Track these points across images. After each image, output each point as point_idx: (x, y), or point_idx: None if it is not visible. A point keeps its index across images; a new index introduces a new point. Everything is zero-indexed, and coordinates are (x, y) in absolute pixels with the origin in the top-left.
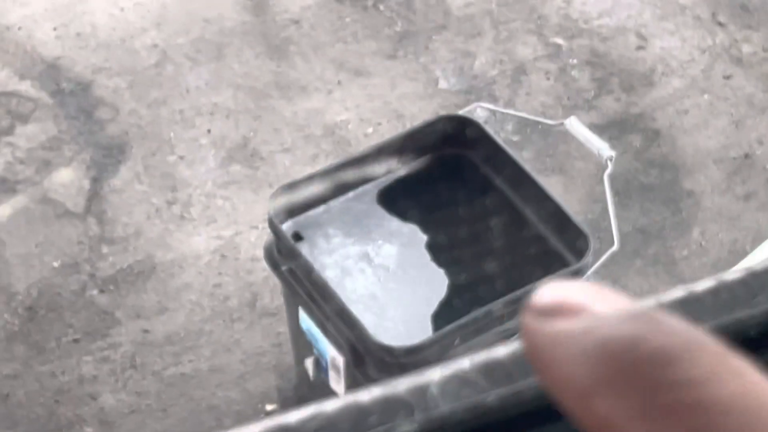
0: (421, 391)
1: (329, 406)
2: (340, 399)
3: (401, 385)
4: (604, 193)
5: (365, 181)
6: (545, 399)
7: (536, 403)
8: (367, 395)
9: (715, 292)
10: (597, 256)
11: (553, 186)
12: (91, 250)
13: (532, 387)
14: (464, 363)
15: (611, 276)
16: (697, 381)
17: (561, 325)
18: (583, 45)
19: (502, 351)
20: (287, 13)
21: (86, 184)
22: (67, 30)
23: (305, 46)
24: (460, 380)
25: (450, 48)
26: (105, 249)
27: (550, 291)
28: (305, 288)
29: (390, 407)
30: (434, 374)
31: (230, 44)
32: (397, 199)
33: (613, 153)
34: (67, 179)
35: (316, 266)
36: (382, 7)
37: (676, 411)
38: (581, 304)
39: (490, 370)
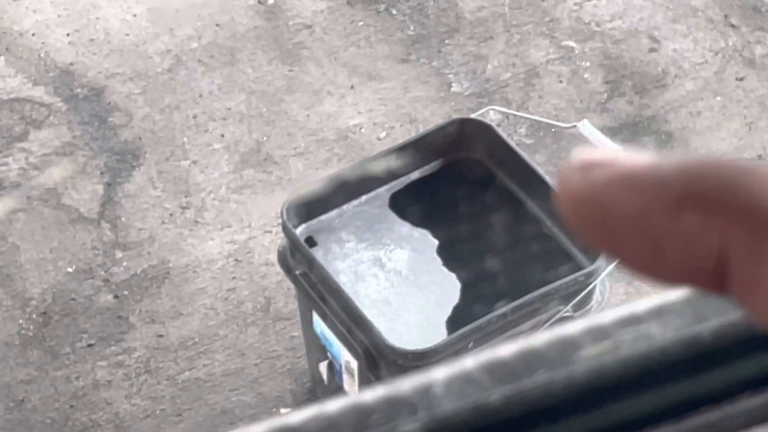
0: (425, 390)
1: (331, 406)
2: (343, 399)
3: (404, 384)
4: None
5: (378, 185)
6: (550, 398)
7: (541, 402)
8: (370, 395)
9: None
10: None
11: None
12: (105, 256)
13: (536, 386)
14: (468, 362)
15: (625, 278)
16: None
17: (614, 169)
18: (595, 48)
19: (506, 350)
20: (299, 17)
21: (100, 189)
22: (80, 36)
23: (318, 50)
24: (463, 379)
25: (462, 51)
26: (119, 254)
27: (586, 152)
28: (319, 292)
29: (392, 406)
30: (438, 373)
31: (243, 49)
32: (409, 203)
33: None
34: (80, 185)
35: (330, 271)
36: (394, 11)
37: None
38: (620, 156)
39: (494, 368)
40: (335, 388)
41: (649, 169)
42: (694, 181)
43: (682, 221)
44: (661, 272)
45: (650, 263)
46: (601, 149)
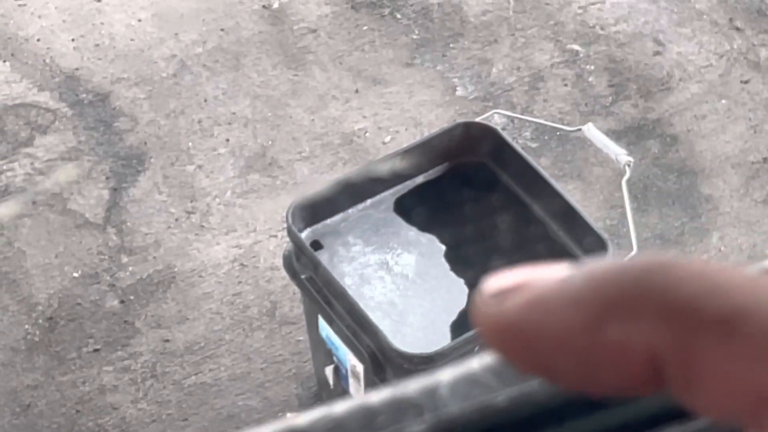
0: (431, 391)
1: (338, 407)
2: (350, 400)
3: (411, 386)
4: (622, 198)
5: (383, 189)
6: (556, 399)
7: (547, 403)
8: (377, 396)
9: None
10: None
11: (571, 192)
12: (111, 260)
13: (542, 387)
14: (474, 363)
15: None
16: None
17: (527, 294)
18: (600, 51)
19: None
20: (304, 22)
21: (105, 194)
22: (86, 41)
23: (322, 54)
24: (470, 380)
25: (467, 55)
26: (125, 259)
27: (493, 281)
28: (324, 296)
29: (399, 408)
30: (444, 375)
31: (248, 54)
32: (414, 206)
33: (630, 159)
34: (86, 189)
35: (335, 274)
36: (399, 16)
37: (691, 309)
38: (530, 278)
39: (500, 370)
40: (341, 392)
41: (561, 287)
42: (608, 291)
43: (605, 334)
44: (595, 387)
45: (583, 380)
46: (509, 273)
